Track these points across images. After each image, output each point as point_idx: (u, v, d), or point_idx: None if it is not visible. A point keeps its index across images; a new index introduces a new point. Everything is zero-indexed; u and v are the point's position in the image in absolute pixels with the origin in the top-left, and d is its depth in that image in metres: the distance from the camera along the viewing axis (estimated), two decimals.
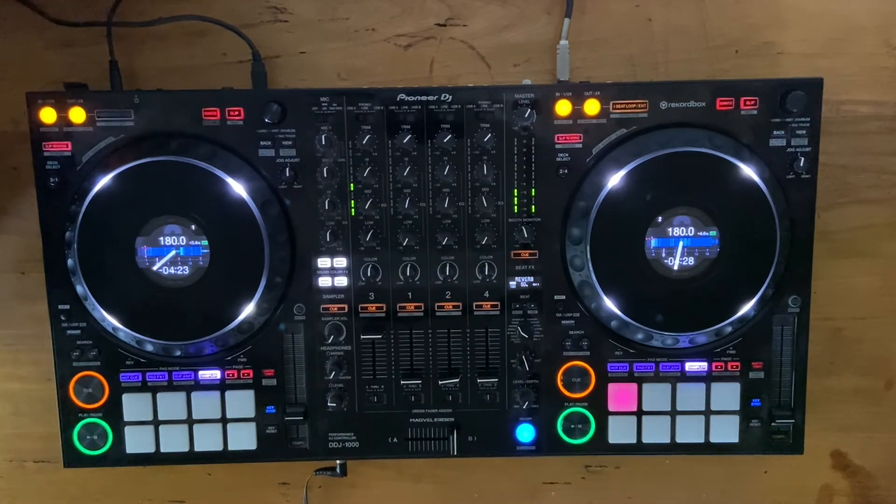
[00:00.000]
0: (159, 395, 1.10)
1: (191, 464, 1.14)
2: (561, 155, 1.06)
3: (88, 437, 1.10)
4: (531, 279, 1.09)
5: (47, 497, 1.27)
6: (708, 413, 1.11)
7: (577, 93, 1.05)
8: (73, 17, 1.13)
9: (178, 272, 1.06)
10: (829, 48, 1.15)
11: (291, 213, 1.07)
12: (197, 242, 1.06)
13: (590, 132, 1.05)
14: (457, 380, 1.11)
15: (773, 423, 1.10)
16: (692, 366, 1.10)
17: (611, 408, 1.11)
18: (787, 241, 1.06)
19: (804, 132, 1.05)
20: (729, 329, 1.08)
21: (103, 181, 1.03)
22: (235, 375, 1.10)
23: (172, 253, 1.06)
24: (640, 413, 1.11)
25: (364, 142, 1.05)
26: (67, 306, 1.08)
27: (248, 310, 1.06)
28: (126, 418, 1.10)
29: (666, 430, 1.11)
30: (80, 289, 1.06)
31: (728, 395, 1.10)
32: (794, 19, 1.15)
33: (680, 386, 1.10)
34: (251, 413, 1.11)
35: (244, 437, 1.11)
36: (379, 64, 1.16)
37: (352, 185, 1.07)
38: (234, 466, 1.22)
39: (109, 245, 1.05)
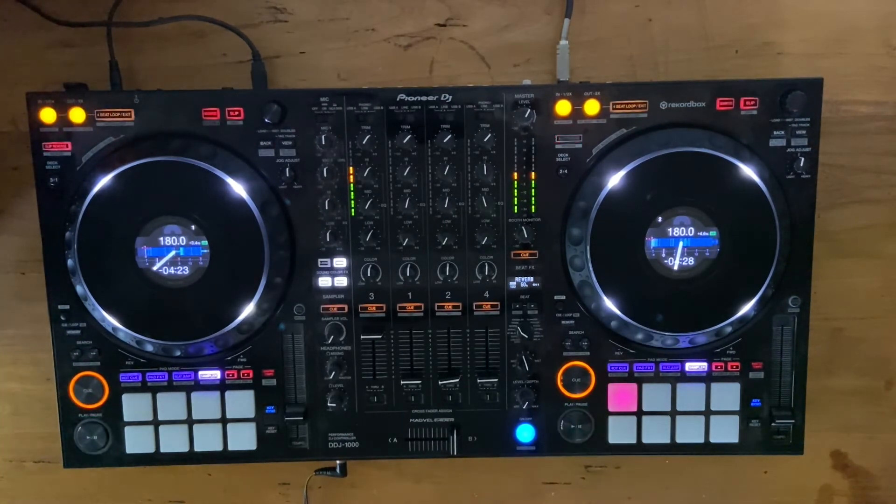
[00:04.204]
0: (159, 396, 1.10)
1: (191, 464, 1.14)
2: (561, 155, 1.06)
3: (88, 437, 1.10)
4: (531, 279, 1.09)
5: (47, 497, 1.27)
6: (708, 413, 1.11)
7: (577, 93, 1.05)
8: (73, 17, 1.13)
9: (178, 272, 1.06)
10: (829, 48, 1.15)
11: (291, 213, 1.07)
12: (197, 242, 1.06)
13: (590, 132, 1.05)
14: (457, 380, 1.11)
15: (773, 423, 1.10)
16: (692, 366, 1.10)
17: (611, 408, 1.11)
18: (787, 241, 1.06)
19: (804, 132, 1.05)
20: (729, 329, 1.08)
21: (103, 181, 1.03)
22: (235, 375, 1.10)
23: (172, 253, 1.06)
24: (640, 413, 1.11)
25: (364, 142, 1.05)
26: (67, 306, 1.08)
27: (248, 310, 1.06)
28: (126, 418, 1.10)
29: (666, 431, 1.11)
30: (80, 289, 1.06)
31: (728, 395, 1.10)
32: (794, 19, 1.15)
33: (680, 386, 1.10)
34: (251, 413, 1.11)
35: (244, 438, 1.11)
36: (379, 64, 1.16)
37: (352, 185, 1.07)
38: (234, 466, 1.22)
39: (109, 245, 1.05)
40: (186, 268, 1.06)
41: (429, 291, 1.09)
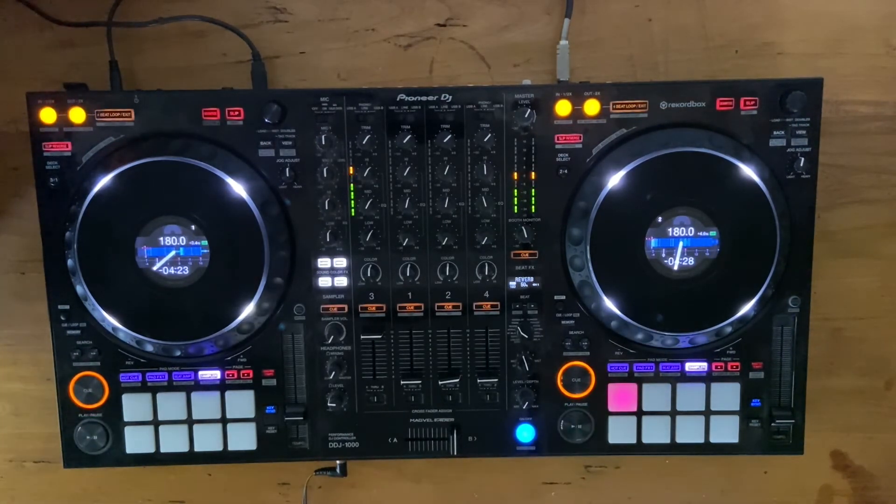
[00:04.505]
0: (159, 396, 1.10)
1: (191, 464, 1.14)
2: (561, 155, 1.06)
3: (88, 437, 1.10)
4: (531, 279, 1.09)
5: (47, 497, 1.27)
6: (708, 413, 1.11)
7: (577, 93, 1.05)
8: (73, 17, 1.13)
9: (178, 272, 1.06)
10: (829, 48, 1.15)
11: (291, 213, 1.07)
12: (197, 242, 1.06)
13: (590, 132, 1.05)
14: (457, 380, 1.11)
15: (773, 423, 1.10)
16: (692, 366, 1.10)
17: (611, 408, 1.11)
18: (787, 241, 1.06)
19: (804, 132, 1.05)
20: (729, 329, 1.08)
21: (103, 181, 1.03)
22: (235, 375, 1.10)
23: (172, 253, 1.06)
24: (640, 413, 1.11)
25: (364, 142, 1.05)
26: (67, 306, 1.08)
27: (248, 310, 1.06)
28: (126, 418, 1.10)
29: (666, 431, 1.11)
30: (80, 289, 1.06)
31: (728, 395, 1.10)
32: (794, 19, 1.15)
33: (680, 386, 1.10)
34: (251, 413, 1.11)
35: (244, 438, 1.11)
36: (379, 64, 1.16)
37: (352, 185, 1.07)
38: (234, 466, 1.22)
39: (109, 245, 1.05)
40: (186, 268, 1.06)
41: (429, 291, 1.09)
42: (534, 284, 1.09)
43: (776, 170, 1.05)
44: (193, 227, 1.05)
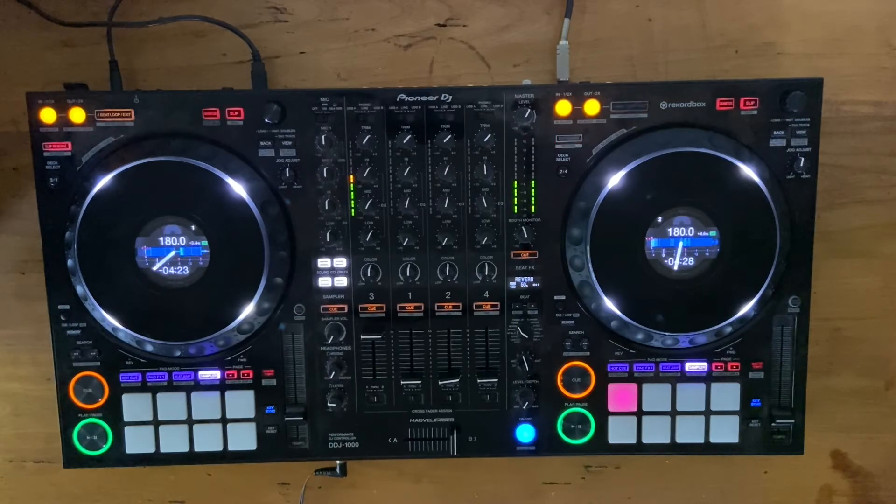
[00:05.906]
0: (159, 396, 1.10)
1: (191, 464, 1.14)
2: (561, 155, 1.06)
3: (88, 438, 1.10)
4: (531, 279, 1.09)
5: (47, 497, 1.27)
6: (708, 413, 1.11)
7: (577, 93, 1.05)
8: (73, 17, 1.13)
9: (178, 272, 1.06)
10: (829, 48, 1.15)
11: (291, 213, 1.07)
12: (197, 242, 1.06)
13: (590, 132, 1.05)
14: (457, 380, 1.11)
15: (773, 423, 1.10)
16: (692, 366, 1.10)
17: (611, 408, 1.11)
18: (787, 241, 1.06)
19: (804, 132, 1.05)
20: (729, 329, 1.08)
21: (103, 181, 1.03)
22: (235, 376, 1.10)
23: (172, 253, 1.06)
24: (639, 413, 1.11)
25: (364, 142, 1.05)
26: (67, 306, 1.08)
27: (248, 310, 1.06)
28: (126, 418, 1.10)
29: (666, 431, 1.11)
30: (80, 289, 1.06)
31: (728, 395, 1.10)
32: (794, 19, 1.15)
33: (680, 386, 1.10)
34: (251, 413, 1.11)
35: (244, 438, 1.11)
36: (379, 64, 1.16)
37: (352, 185, 1.07)
38: (234, 466, 1.22)
39: (109, 245, 1.05)
40: (186, 268, 1.06)
41: (429, 291, 1.09)
42: (534, 284, 1.09)
43: (776, 170, 1.05)
44: (193, 227, 1.05)
